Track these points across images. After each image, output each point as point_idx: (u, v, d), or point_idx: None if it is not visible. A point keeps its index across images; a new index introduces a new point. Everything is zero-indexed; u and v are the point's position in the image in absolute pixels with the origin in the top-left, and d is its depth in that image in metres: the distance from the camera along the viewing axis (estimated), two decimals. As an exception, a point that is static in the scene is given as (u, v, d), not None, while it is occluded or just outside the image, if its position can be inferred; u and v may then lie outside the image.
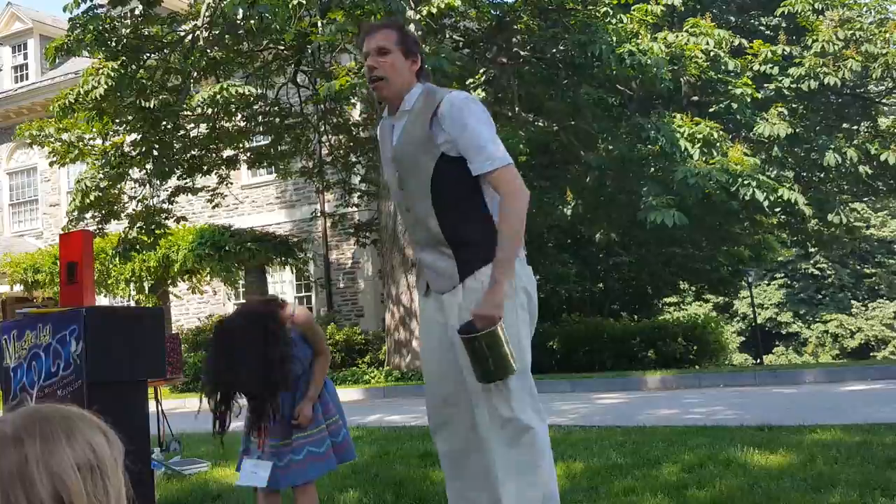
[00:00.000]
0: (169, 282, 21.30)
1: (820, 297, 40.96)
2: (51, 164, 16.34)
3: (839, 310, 39.82)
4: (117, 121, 15.10)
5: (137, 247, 17.01)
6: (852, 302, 40.18)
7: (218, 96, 13.67)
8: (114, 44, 14.15)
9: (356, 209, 19.89)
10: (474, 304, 2.81)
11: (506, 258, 2.78)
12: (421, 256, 3.06)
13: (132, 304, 20.47)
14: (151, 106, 14.14)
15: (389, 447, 6.23)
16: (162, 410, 7.09)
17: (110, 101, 14.30)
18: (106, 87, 13.75)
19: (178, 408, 14.46)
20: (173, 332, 19.57)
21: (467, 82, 14.34)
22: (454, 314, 2.91)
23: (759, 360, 32.83)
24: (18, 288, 22.41)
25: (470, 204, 2.92)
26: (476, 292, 2.84)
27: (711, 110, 15.67)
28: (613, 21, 14.71)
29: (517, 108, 14.82)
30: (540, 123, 16.14)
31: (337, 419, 3.22)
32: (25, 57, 26.74)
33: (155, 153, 15.39)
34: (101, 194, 15.68)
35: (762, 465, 4.69)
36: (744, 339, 40.60)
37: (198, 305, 23.16)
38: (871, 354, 37.62)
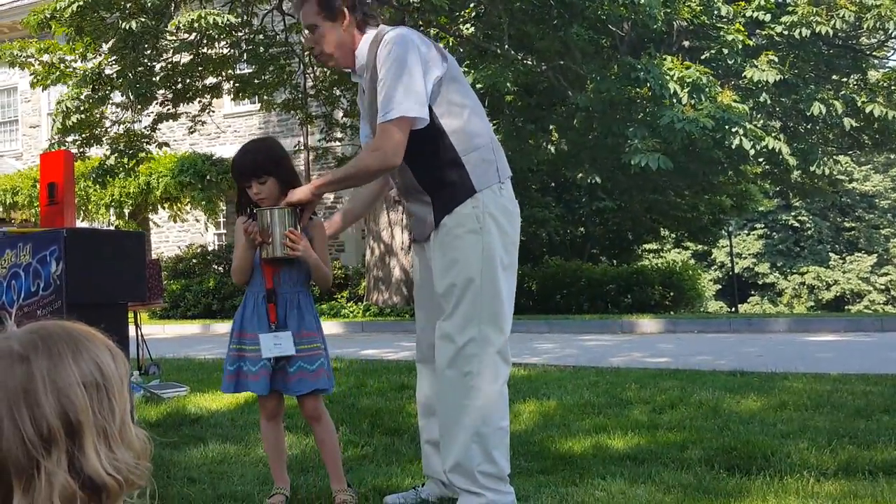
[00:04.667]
0: (149, 208, 21.18)
1: (798, 248, 41.32)
2: (32, 85, 16.04)
3: (817, 262, 40.21)
4: (97, 41, 14.78)
5: (116, 171, 16.78)
6: (830, 255, 40.56)
7: (196, 24, 13.42)
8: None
9: (339, 143, 19.74)
10: (447, 244, 2.86)
11: (326, 181, 2.96)
12: (407, 206, 3.08)
13: (111, 229, 20.35)
14: (131, 28, 13.84)
15: (367, 379, 6.29)
16: (141, 334, 7.11)
17: (88, 19, 13.99)
18: (81, 2, 13.43)
19: (157, 333, 14.51)
20: (153, 258, 19.53)
21: (457, 15, 14.14)
22: (432, 254, 2.96)
23: (734, 309, 33.23)
24: (-3, 209, 22.26)
25: (437, 147, 2.87)
26: (450, 229, 2.86)
27: (703, 56, 15.56)
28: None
29: (507, 46, 14.63)
30: (528, 62, 15.96)
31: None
32: (5, -27, 26.09)
33: (130, 75, 15.09)
34: (82, 117, 15.43)
35: (733, 410, 4.77)
36: (720, 287, 41.01)
37: (178, 234, 23.06)
38: (846, 308, 38.11)
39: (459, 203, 2.85)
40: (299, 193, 2.94)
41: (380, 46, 2.83)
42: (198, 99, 17.12)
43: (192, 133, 17.92)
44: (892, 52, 21.01)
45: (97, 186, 19.04)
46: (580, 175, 19.53)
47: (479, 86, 13.66)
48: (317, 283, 3.19)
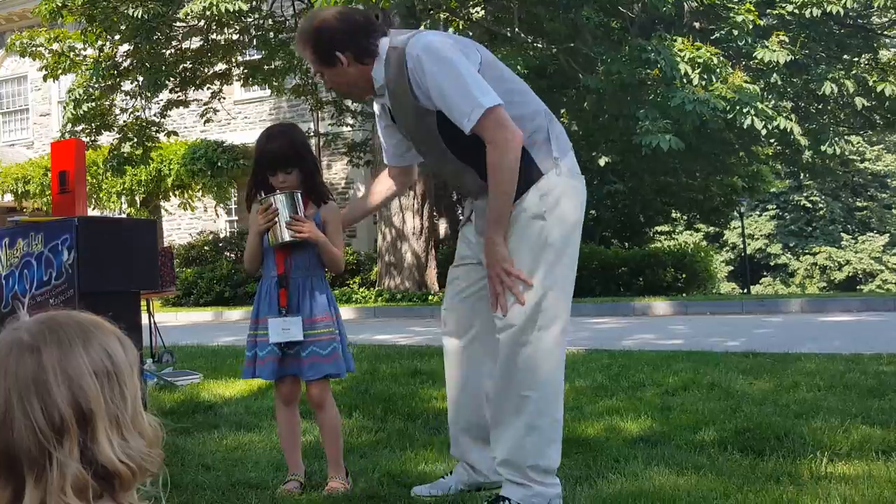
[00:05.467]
0: (160, 196, 21.25)
1: (810, 229, 41.12)
2: (44, 77, 16.07)
3: (829, 242, 40.02)
4: (108, 29, 14.80)
5: (130, 159, 16.84)
6: (842, 235, 40.36)
7: (207, 11, 13.41)
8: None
9: (350, 129, 19.72)
10: (510, 231, 2.75)
11: (495, 218, 2.71)
12: (475, 203, 2.94)
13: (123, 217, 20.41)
14: (142, 15, 13.84)
15: (380, 364, 6.30)
16: (154, 322, 7.13)
17: (100, 7, 14.00)
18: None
19: (170, 321, 14.57)
20: (165, 246, 19.60)
21: None
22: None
23: (746, 290, 33.14)
24: (8, 198, 22.35)
25: None
26: (513, 217, 2.74)
27: (713, 37, 15.44)
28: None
29: (517, 29, 14.57)
30: (539, 45, 15.89)
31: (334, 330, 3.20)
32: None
33: (146, 65, 15.11)
34: (93, 105, 15.46)
35: (745, 391, 4.76)
36: (732, 268, 40.89)
37: (189, 221, 23.13)
38: (858, 287, 37.96)
39: (525, 191, 2.74)
40: (498, 253, 2.73)
41: (410, 64, 2.73)
42: (207, 86, 17.13)
43: (206, 123, 17.95)
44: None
45: (110, 175, 19.11)
46: (595, 154, 19.48)
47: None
48: (327, 266, 3.17)
